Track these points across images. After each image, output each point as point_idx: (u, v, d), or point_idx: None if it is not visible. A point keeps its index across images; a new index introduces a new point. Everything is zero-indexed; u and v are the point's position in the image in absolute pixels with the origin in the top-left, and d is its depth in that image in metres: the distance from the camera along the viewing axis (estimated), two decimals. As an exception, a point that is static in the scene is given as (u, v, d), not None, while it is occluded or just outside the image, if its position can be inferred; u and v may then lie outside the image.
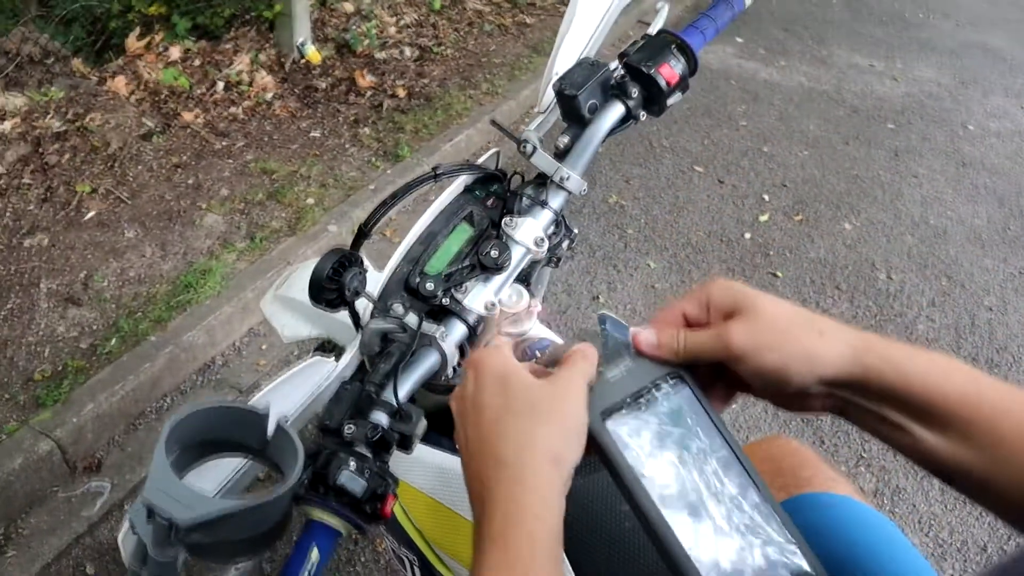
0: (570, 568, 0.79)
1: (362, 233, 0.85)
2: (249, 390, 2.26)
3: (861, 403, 0.56)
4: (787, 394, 0.57)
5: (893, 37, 5.77)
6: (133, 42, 3.40)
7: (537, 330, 0.93)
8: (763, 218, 3.38)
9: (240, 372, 2.31)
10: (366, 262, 0.85)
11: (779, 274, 3.03)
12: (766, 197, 3.53)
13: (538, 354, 0.88)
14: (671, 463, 0.56)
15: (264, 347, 2.40)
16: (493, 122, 0.98)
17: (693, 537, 0.53)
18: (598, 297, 2.79)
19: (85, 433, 1.99)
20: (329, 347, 1.48)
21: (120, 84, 3.18)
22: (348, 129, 3.38)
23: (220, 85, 3.40)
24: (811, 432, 2.36)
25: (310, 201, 2.86)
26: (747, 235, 3.25)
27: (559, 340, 0.95)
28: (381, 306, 0.81)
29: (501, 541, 0.49)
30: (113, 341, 2.18)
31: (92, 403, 2.00)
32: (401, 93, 3.69)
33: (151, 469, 0.61)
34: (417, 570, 0.98)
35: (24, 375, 2.06)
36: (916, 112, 4.56)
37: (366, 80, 3.71)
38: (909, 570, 0.70)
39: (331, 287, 0.78)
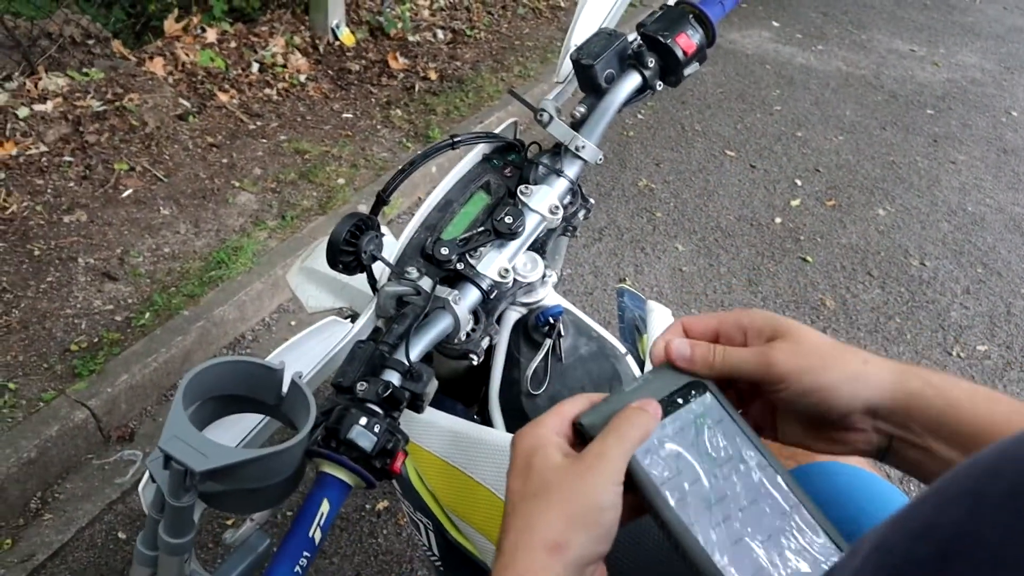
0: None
1: (380, 199, 0.87)
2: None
3: (906, 437, 0.53)
4: (827, 425, 0.55)
5: (936, 21, 5.65)
6: (171, 24, 3.45)
7: (551, 298, 0.94)
8: (795, 203, 3.34)
9: (269, 347, 2.35)
10: (384, 228, 0.87)
11: (809, 259, 3.00)
12: (798, 182, 3.49)
13: (551, 321, 0.89)
14: (697, 471, 0.53)
15: (293, 323, 2.44)
16: (511, 92, 0.98)
17: (724, 548, 0.50)
18: (625, 279, 2.79)
19: (119, 403, 2.04)
20: (347, 316, 1.51)
21: (158, 65, 3.23)
22: (380, 111, 3.40)
23: (255, 67, 3.44)
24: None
25: (341, 181, 2.89)
26: (778, 220, 3.22)
27: (574, 309, 0.96)
28: (397, 271, 0.83)
29: None
30: (147, 315, 2.23)
31: (126, 374, 2.05)
32: (433, 76, 3.71)
33: (168, 418, 0.63)
34: (432, 534, 0.99)
35: (61, 346, 2.12)
36: (957, 98, 4.46)
37: (399, 62, 3.73)
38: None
39: (348, 250, 0.80)
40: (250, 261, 2.43)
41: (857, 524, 0.71)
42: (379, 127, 3.30)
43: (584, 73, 0.88)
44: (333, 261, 0.81)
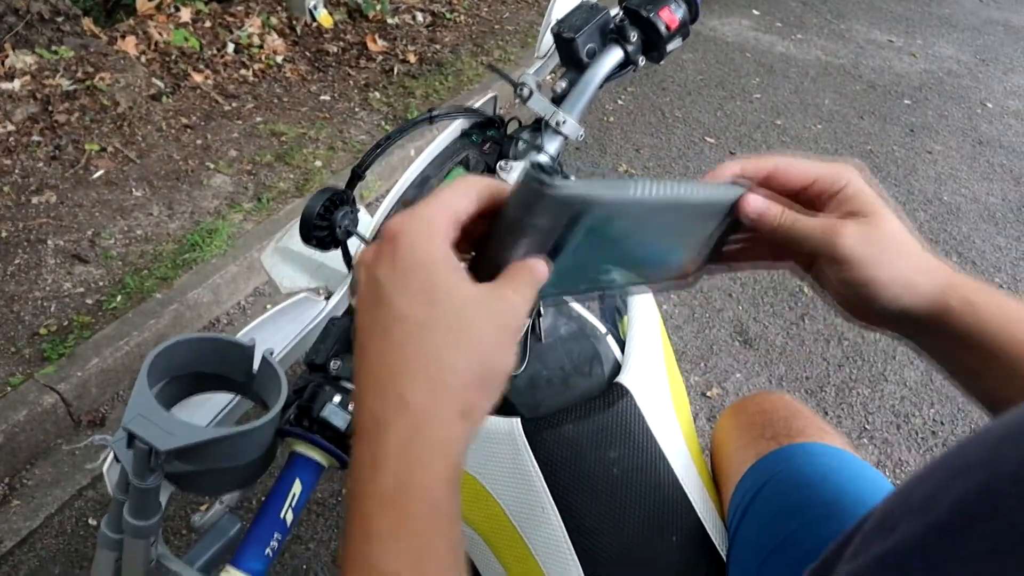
0: (559, 515, 0.79)
1: (355, 174, 0.85)
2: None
3: (920, 338, 0.54)
4: (860, 307, 0.54)
5: (914, 13, 5.68)
6: (144, 2, 3.39)
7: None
8: (774, 191, 3.34)
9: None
10: (359, 204, 0.85)
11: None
12: (778, 170, 3.49)
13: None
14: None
15: (269, 307, 2.39)
16: (491, 66, 0.96)
17: None
18: (605, 266, 2.78)
19: (89, 388, 2.00)
20: (322, 295, 1.48)
21: (130, 44, 3.17)
22: (358, 93, 3.36)
23: (231, 47, 3.38)
24: (814, 404, 2.35)
25: (318, 163, 2.85)
26: (757, 207, 3.22)
27: None
28: (373, 247, 0.81)
29: (397, 506, 0.39)
30: (119, 298, 2.19)
31: (97, 358, 2.01)
32: (412, 58, 3.67)
33: (132, 396, 0.60)
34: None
35: (30, 330, 2.08)
36: (934, 89, 4.49)
37: (377, 45, 3.69)
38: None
39: (321, 225, 0.78)
40: (225, 244, 2.39)
41: (838, 505, 0.71)
42: (357, 110, 3.26)
43: (565, 47, 0.86)
44: (307, 236, 0.78)
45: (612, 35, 0.88)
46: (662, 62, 0.91)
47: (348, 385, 0.68)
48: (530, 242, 0.46)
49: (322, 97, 3.30)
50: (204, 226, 2.46)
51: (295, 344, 0.76)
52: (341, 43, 3.66)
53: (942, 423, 2.34)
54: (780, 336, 2.58)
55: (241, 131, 2.97)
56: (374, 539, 0.39)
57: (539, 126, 0.88)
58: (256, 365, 0.68)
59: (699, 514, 0.80)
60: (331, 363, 0.68)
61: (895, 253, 0.52)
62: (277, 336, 0.76)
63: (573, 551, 0.77)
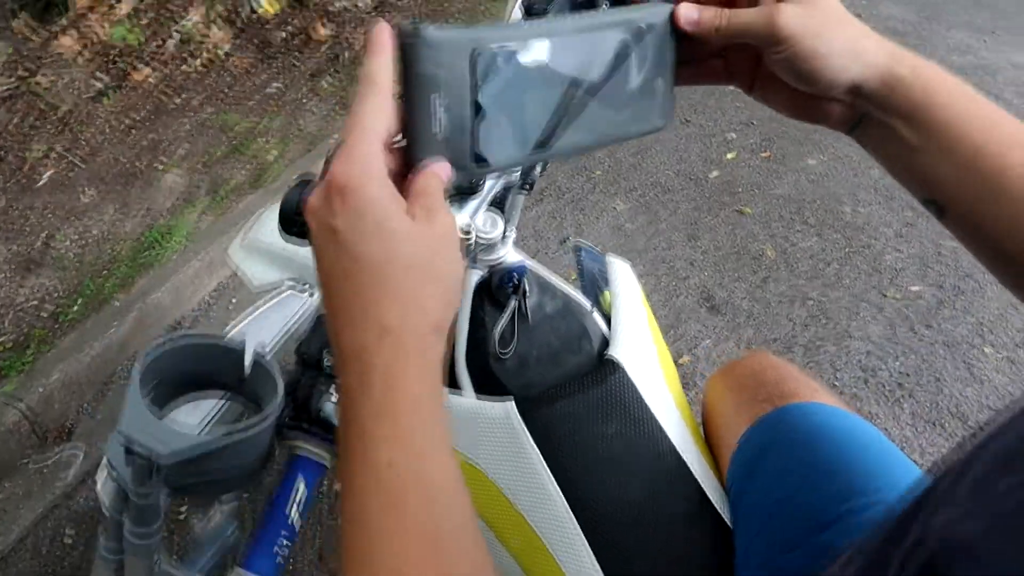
0: (560, 492, 0.79)
1: (329, 162, 0.82)
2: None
3: (877, 116, 0.56)
4: (807, 94, 0.57)
5: (853, -28, 5.74)
6: (78, -2, 3.27)
7: (512, 256, 0.91)
8: (730, 156, 3.37)
9: (210, 329, 2.27)
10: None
11: (747, 210, 3.04)
12: (733, 136, 3.52)
13: (515, 280, 0.87)
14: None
15: (234, 302, 2.36)
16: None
17: None
18: (566, 240, 2.78)
19: (53, 401, 1.95)
20: (303, 290, 1.45)
21: (68, 43, 3.06)
22: (307, 82, 3.30)
23: (173, 41, 3.29)
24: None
25: (272, 155, 2.79)
26: (714, 173, 3.25)
27: (536, 266, 0.93)
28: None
29: (388, 414, 0.43)
30: (77, 305, 2.12)
31: (59, 370, 1.95)
32: (360, 44, 3.61)
33: (126, 407, 0.58)
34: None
35: (-14, 344, 2.01)
36: (878, 47, 4.56)
37: (323, 31, 3.62)
38: (901, 474, 0.71)
39: (301, 217, 0.75)
40: (183, 242, 2.34)
41: (841, 462, 0.72)
42: (308, 98, 3.20)
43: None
44: (287, 228, 0.76)
45: (584, 6, 0.86)
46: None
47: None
48: (444, 105, 0.47)
49: (271, 87, 3.23)
50: (160, 225, 2.40)
51: (282, 339, 0.74)
52: (286, 31, 3.58)
53: (907, 375, 2.39)
54: (745, 300, 2.61)
55: (190, 126, 2.90)
56: (377, 445, 0.43)
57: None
58: (248, 365, 0.66)
59: (699, 481, 0.81)
60: (325, 357, 0.67)
61: (836, 23, 0.54)
62: (263, 334, 0.74)
63: (578, 527, 0.77)
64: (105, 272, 2.23)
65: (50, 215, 2.40)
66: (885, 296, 2.68)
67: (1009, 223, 0.51)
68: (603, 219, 2.92)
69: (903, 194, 3.26)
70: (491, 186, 0.82)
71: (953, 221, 0.55)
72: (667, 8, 0.57)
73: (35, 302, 2.14)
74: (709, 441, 0.91)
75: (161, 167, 2.66)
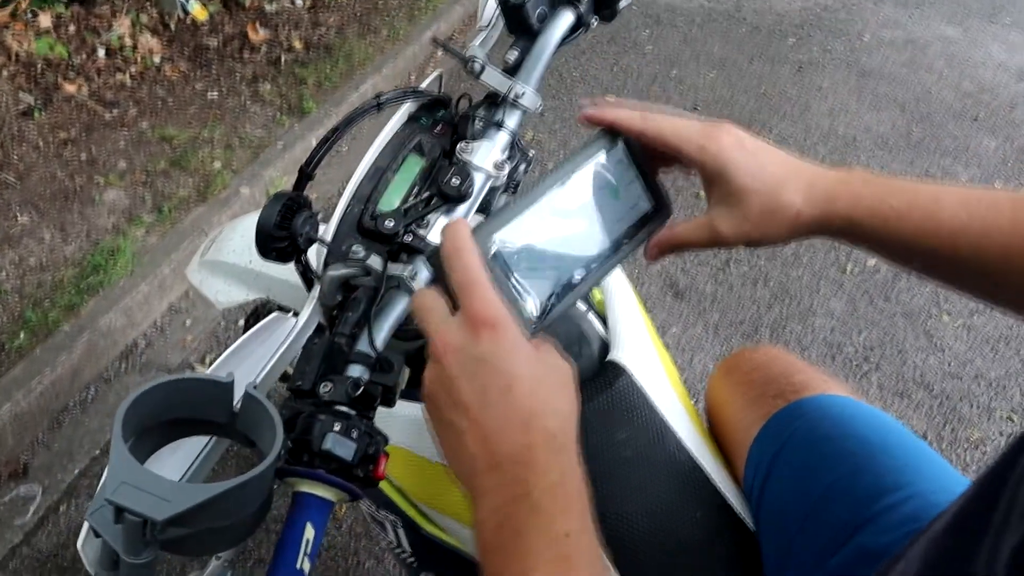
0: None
1: (304, 174, 0.77)
2: (180, 369, 2.14)
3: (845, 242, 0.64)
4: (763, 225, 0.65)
5: (784, -48, 5.81)
6: (-5, 11, 3.11)
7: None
8: (681, 142, 3.37)
9: (166, 352, 2.18)
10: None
11: (701, 194, 3.04)
12: (682, 121, 3.52)
13: None
14: None
15: (188, 322, 2.26)
16: (435, 40, 0.89)
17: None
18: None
19: (4, 437, 1.84)
20: (266, 310, 1.38)
21: (-13, 58, 2.90)
22: (247, 87, 3.19)
23: (102, 51, 3.15)
24: (751, 346, 2.39)
25: (217, 165, 2.69)
26: (668, 160, 3.24)
27: None
28: (337, 252, 0.74)
29: (562, 496, 0.50)
30: (22, 335, 2.01)
31: (8, 404, 1.84)
32: (298, 45, 3.51)
33: (111, 462, 0.53)
34: (401, 531, 0.92)
35: (-75, 383, 1.89)
36: (814, 25, 4.62)
37: (259, 34, 3.51)
38: (926, 465, 0.69)
39: (281, 236, 0.70)
40: (131, 262, 2.23)
41: (866, 455, 0.69)
42: (248, 104, 3.10)
43: (514, 14, 0.81)
44: (265, 249, 0.71)
45: None
46: (614, 21, 0.87)
47: (344, 410, 0.61)
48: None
49: (209, 95, 3.11)
50: (104, 246, 2.29)
51: (273, 369, 0.69)
52: (220, 36, 3.46)
53: (872, 348, 2.42)
54: (709, 284, 2.61)
55: (128, 140, 2.77)
56: (549, 519, 0.50)
57: (495, 101, 0.82)
58: (237, 402, 0.60)
59: (717, 485, 0.77)
60: (321, 387, 0.62)
61: (769, 214, 0.63)
62: (250, 365, 0.68)
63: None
64: (47, 301, 2.12)
65: (-16, 242, 2.27)
66: (844, 272, 2.71)
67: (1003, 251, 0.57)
68: (561, 211, 2.88)
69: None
70: (479, 190, 0.78)
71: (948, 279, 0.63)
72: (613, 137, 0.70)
73: (-25, 335, 2.02)
74: (718, 441, 0.88)
75: (100, 185, 2.54)
